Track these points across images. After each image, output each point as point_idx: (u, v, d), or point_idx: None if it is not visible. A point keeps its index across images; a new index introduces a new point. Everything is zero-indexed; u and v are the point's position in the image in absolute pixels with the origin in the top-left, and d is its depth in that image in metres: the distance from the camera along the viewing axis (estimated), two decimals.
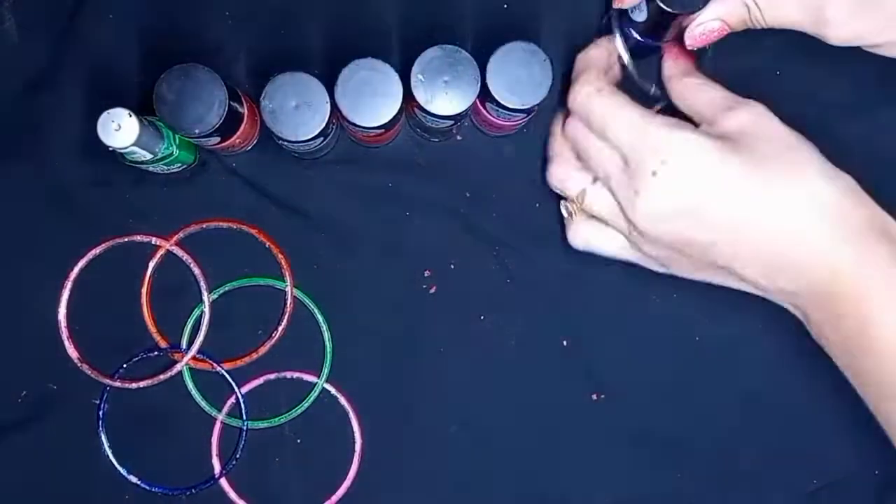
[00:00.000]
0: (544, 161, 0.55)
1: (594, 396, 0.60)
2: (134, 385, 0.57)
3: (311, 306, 0.59)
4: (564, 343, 0.60)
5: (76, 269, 0.57)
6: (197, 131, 0.49)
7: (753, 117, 0.46)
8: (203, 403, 0.58)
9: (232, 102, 0.49)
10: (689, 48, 0.50)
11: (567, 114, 0.51)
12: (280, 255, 0.58)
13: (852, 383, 0.48)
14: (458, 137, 0.60)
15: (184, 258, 0.58)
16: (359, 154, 0.59)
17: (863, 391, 0.47)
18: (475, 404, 0.59)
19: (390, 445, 0.59)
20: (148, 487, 0.58)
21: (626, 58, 0.50)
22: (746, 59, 0.60)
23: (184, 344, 0.58)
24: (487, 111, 0.53)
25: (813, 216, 0.44)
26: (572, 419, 0.60)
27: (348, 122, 0.49)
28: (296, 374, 0.59)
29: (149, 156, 0.51)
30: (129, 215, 0.58)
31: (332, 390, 0.59)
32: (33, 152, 0.57)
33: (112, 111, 0.48)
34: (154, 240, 0.58)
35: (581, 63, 0.51)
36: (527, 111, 0.51)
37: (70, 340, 0.57)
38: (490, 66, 0.49)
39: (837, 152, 0.60)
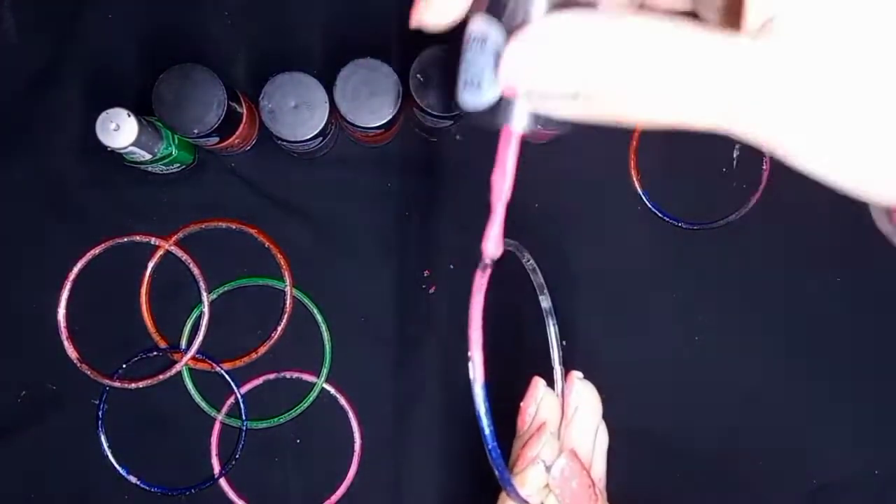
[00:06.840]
0: None
1: None
2: (134, 385, 0.57)
3: (311, 306, 0.59)
4: (564, 343, 0.59)
5: (76, 269, 0.57)
6: (196, 131, 0.48)
7: None
8: (202, 404, 0.58)
9: (231, 102, 0.49)
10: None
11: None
12: (280, 255, 0.58)
13: None
14: (458, 137, 0.60)
15: (183, 258, 0.58)
16: (358, 154, 0.59)
17: None
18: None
19: (390, 445, 0.59)
20: (147, 487, 0.58)
21: None
22: None
23: (183, 344, 0.58)
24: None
25: None
26: None
27: (347, 121, 0.49)
28: (295, 374, 0.59)
29: (147, 156, 0.51)
30: (129, 215, 0.58)
31: (332, 390, 0.59)
32: (33, 152, 0.57)
33: (111, 111, 0.48)
34: (153, 240, 0.58)
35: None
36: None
37: (70, 340, 0.57)
38: None
39: None
